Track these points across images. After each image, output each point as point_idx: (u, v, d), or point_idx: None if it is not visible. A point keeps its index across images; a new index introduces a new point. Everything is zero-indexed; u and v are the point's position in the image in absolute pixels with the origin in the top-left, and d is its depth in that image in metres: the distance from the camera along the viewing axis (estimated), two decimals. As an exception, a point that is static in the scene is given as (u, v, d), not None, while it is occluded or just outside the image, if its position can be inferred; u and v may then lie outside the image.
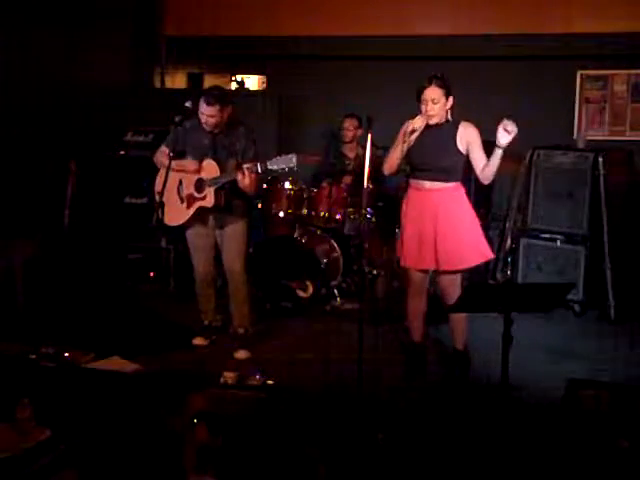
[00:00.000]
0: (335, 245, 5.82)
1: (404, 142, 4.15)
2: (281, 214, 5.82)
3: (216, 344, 4.91)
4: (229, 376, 3.92)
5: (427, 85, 4.08)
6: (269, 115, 6.94)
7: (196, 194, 4.58)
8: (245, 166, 4.40)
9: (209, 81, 8.08)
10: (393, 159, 4.26)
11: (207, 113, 4.47)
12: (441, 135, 4.14)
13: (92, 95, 6.39)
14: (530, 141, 5.97)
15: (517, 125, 3.96)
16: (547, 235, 5.85)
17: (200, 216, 4.67)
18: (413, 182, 4.27)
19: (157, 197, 4.54)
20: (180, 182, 4.64)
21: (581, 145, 5.95)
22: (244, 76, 8.26)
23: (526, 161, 5.96)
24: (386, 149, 5.79)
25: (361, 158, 5.95)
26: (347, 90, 6.84)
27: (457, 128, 4.14)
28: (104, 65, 6.62)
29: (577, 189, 5.73)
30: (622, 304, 5.60)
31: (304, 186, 5.87)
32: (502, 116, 4.07)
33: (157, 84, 7.51)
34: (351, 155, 6.24)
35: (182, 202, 4.64)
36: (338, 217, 5.83)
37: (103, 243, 6.28)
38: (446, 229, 4.16)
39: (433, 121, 4.13)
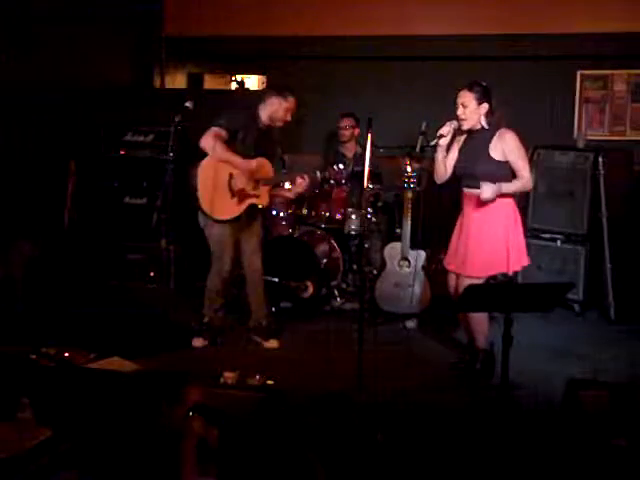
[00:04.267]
0: (335, 245, 5.82)
1: (439, 146, 4.25)
2: (281, 214, 5.82)
3: (217, 344, 4.92)
4: (229, 376, 3.92)
5: (460, 89, 4.17)
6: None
7: (250, 191, 4.60)
8: (317, 174, 4.70)
9: (209, 81, 8.09)
10: (436, 166, 4.35)
11: (291, 106, 4.64)
12: (477, 142, 4.20)
13: (92, 95, 6.39)
14: (530, 141, 5.96)
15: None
16: (547, 235, 5.85)
17: (246, 214, 4.68)
18: (461, 188, 4.34)
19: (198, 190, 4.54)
20: (231, 175, 4.58)
21: (581, 145, 5.95)
22: (244, 76, 8.27)
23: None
24: (386, 148, 5.84)
25: (360, 157, 5.96)
26: (347, 90, 6.83)
27: (493, 136, 4.15)
28: (104, 65, 6.62)
29: (577, 189, 5.73)
30: (622, 304, 5.60)
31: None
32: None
33: (157, 84, 7.51)
34: (349, 154, 6.23)
35: (233, 197, 4.60)
36: (338, 217, 5.83)
37: (103, 243, 6.28)
38: (475, 235, 4.21)
39: (465, 126, 4.18)
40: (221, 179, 4.55)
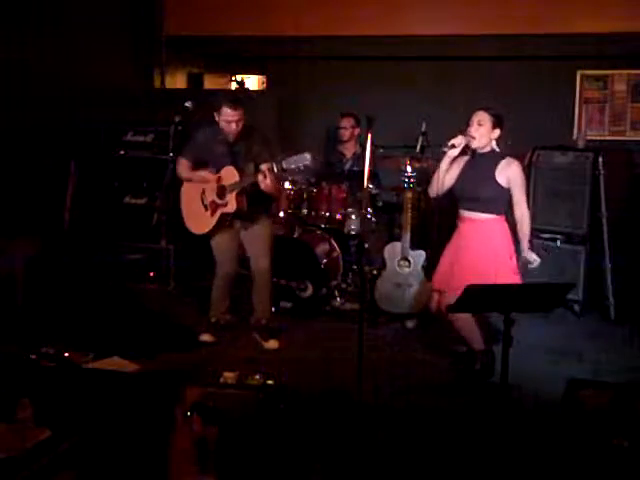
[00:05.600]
0: (335, 245, 5.82)
1: (447, 157, 4.21)
2: (281, 214, 5.82)
3: (221, 342, 4.95)
4: (229, 376, 3.92)
5: (476, 110, 4.18)
6: (269, 115, 6.94)
7: (218, 201, 4.66)
8: (262, 167, 4.46)
9: (209, 81, 8.09)
10: (436, 177, 4.29)
11: (233, 118, 4.54)
12: (482, 165, 4.19)
13: (92, 95, 6.39)
14: (530, 141, 5.98)
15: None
16: (547, 235, 5.84)
17: (223, 223, 4.74)
18: (458, 212, 4.31)
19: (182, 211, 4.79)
20: (203, 191, 4.73)
21: (581, 145, 5.94)
22: (244, 76, 8.28)
23: (526, 161, 5.95)
24: (386, 148, 5.85)
25: (360, 157, 5.96)
26: (347, 90, 6.83)
27: (500, 161, 4.15)
28: (104, 65, 6.62)
29: (577, 189, 5.73)
30: (622, 304, 5.60)
31: (304, 186, 5.87)
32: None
33: (157, 84, 7.51)
34: (349, 154, 6.23)
35: (206, 210, 4.73)
36: (338, 217, 5.83)
37: (103, 243, 6.28)
38: (472, 259, 4.17)
39: (474, 144, 4.17)
40: (195, 197, 4.77)
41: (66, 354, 4.12)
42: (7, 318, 4.87)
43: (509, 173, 4.14)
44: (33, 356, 4.03)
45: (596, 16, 6.16)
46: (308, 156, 4.38)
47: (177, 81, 7.83)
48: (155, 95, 7.34)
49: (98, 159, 6.46)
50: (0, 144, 5.65)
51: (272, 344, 4.92)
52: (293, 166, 4.41)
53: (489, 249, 4.16)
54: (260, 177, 4.45)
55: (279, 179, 4.71)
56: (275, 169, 4.42)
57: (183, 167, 4.80)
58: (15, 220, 5.50)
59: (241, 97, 4.72)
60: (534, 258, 4.09)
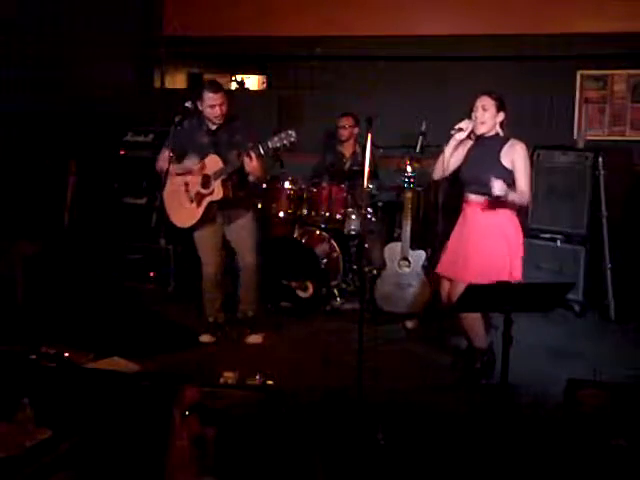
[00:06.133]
0: (335, 245, 5.82)
1: (453, 139, 4.20)
2: (281, 214, 5.82)
3: (221, 342, 4.96)
4: (229, 376, 3.92)
5: (479, 95, 4.19)
6: (269, 115, 6.95)
7: (204, 191, 4.63)
8: (249, 146, 4.44)
9: (209, 81, 8.09)
10: (440, 162, 4.28)
11: (216, 102, 4.54)
12: (488, 149, 4.18)
13: (92, 95, 6.39)
14: (530, 141, 5.96)
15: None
16: (547, 235, 5.85)
17: (209, 214, 4.71)
18: (464, 195, 4.30)
19: (166, 208, 4.73)
20: (186, 184, 4.69)
21: (581, 145, 5.95)
22: (244, 76, 8.29)
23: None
24: (386, 148, 5.84)
25: (359, 156, 5.96)
26: (346, 90, 6.84)
27: (504, 144, 4.15)
28: (104, 65, 6.62)
29: (577, 189, 5.73)
30: (622, 304, 5.60)
31: (304, 186, 5.87)
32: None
33: (157, 84, 7.52)
34: (347, 154, 6.22)
35: (192, 202, 4.69)
36: (338, 217, 5.83)
37: (103, 243, 6.28)
38: (476, 243, 4.16)
39: (481, 130, 4.17)
40: (180, 191, 4.71)
41: (66, 354, 4.12)
42: (7, 318, 4.87)
43: (513, 154, 4.12)
44: (33, 356, 4.03)
45: (596, 16, 6.15)
46: (293, 133, 4.36)
47: (177, 81, 7.83)
48: (155, 95, 7.34)
49: (98, 159, 6.46)
50: (1, 144, 5.66)
51: (254, 339, 4.94)
52: (279, 144, 4.39)
53: (495, 230, 4.15)
54: (246, 159, 4.43)
55: (265, 164, 4.67)
56: (261, 150, 4.41)
57: (164, 160, 4.68)
58: (15, 220, 5.50)
59: (221, 83, 4.78)
60: (500, 185, 3.91)
